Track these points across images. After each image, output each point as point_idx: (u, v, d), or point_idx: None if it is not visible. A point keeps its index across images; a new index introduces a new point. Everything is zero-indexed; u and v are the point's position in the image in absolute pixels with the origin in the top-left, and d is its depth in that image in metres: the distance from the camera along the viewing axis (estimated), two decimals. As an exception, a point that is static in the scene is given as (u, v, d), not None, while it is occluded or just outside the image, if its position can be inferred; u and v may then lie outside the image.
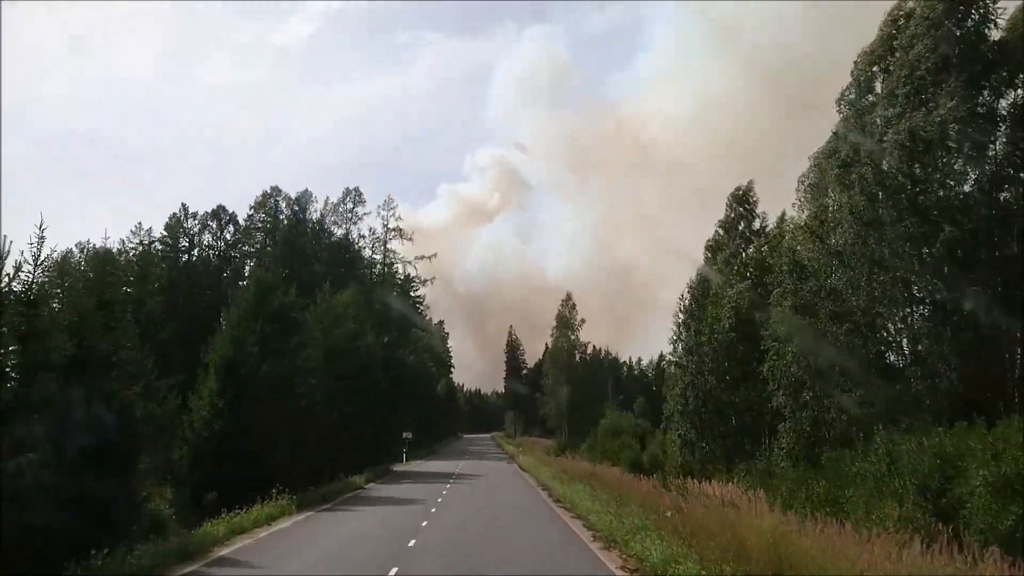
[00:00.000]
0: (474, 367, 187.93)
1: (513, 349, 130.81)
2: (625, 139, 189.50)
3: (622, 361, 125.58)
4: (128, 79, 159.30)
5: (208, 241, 74.53)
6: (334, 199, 77.05)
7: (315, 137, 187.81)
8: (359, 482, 37.26)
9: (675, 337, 38.63)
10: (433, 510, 26.76)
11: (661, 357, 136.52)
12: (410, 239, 76.72)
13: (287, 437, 29.42)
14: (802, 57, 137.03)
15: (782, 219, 37.43)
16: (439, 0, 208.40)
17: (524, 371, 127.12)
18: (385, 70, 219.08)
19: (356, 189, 76.97)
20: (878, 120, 25.13)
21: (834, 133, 28.31)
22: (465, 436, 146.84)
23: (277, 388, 28.95)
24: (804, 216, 29.64)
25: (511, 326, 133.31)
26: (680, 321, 38.17)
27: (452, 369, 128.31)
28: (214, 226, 75.96)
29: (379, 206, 77.37)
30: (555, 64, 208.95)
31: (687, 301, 37.57)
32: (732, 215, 40.77)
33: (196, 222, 73.60)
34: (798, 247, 27.69)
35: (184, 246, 71.90)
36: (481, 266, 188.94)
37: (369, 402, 46.13)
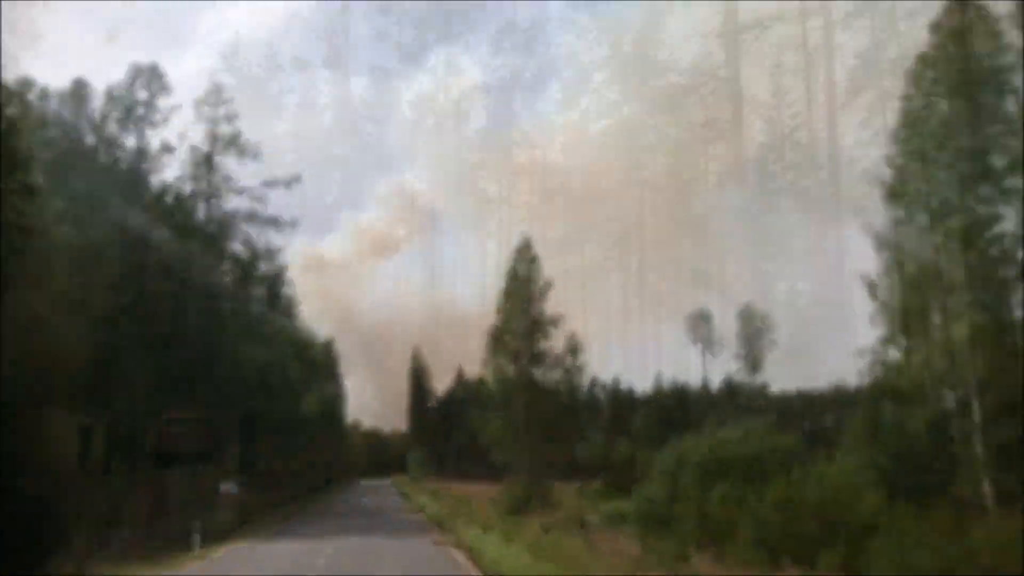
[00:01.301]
0: (375, 408, 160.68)
1: (418, 376, 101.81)
2: (533, 167, 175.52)
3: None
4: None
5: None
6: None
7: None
8: None
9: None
10: None
11: (593, 382, 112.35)
12: (255, 156, 45.07)
13: None
14: (708, 79, 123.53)
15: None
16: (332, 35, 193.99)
17: (431, 404, 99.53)
18: (280, 103, 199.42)
19: (153, 68, 41.10)
20: None
21: None
22: (362, 482, 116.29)
23: None
24: None
25: (415, 346, 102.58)
26: None
27: (345, 398, 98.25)
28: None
29: (198, 99, 44.82)
30: (457, 92, 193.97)
31: None
32: None
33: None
34: None
35: None
36: (385, 300, 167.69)
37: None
